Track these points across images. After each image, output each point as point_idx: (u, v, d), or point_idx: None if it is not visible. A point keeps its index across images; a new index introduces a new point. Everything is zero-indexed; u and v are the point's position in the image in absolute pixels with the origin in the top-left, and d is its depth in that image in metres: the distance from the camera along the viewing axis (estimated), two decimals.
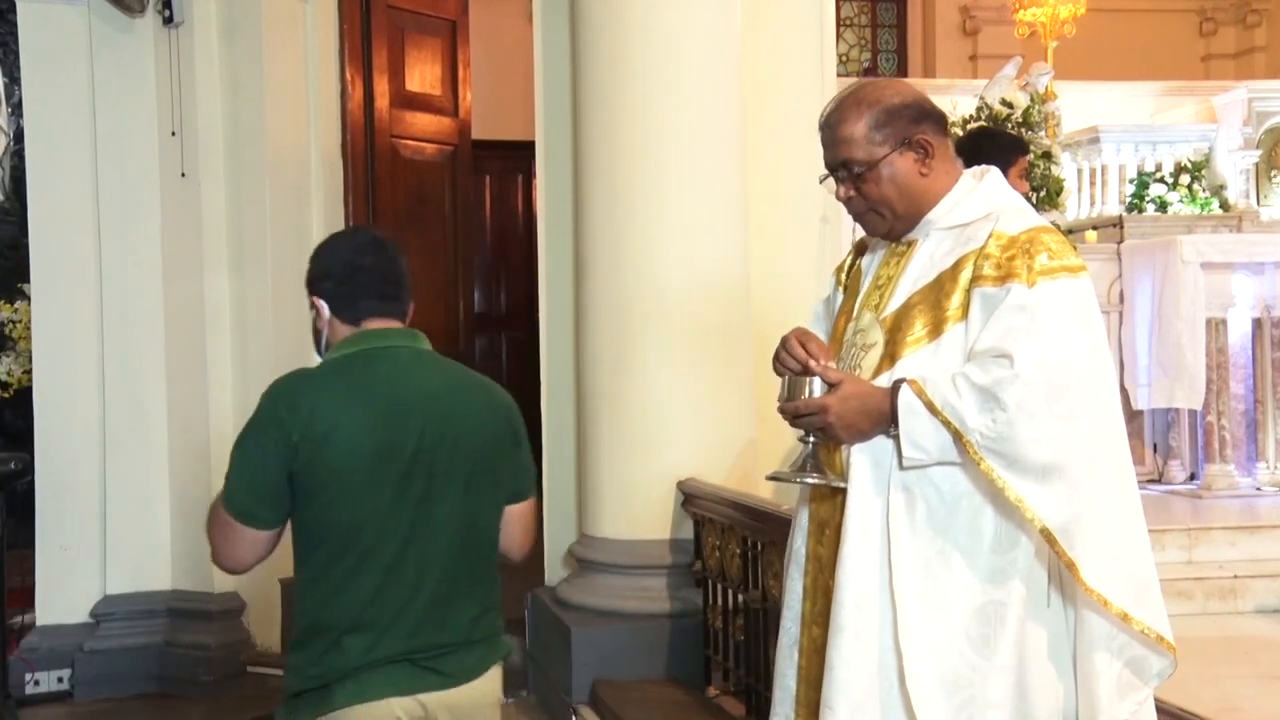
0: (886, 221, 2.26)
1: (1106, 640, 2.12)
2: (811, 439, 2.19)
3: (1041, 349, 2.04)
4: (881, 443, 2.14)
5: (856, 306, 2.31)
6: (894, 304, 2.22)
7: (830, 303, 2.47)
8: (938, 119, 2.26)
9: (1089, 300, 2.14)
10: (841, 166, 2.24)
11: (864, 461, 2.16)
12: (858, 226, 2.39)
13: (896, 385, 2.11)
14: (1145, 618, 2.10)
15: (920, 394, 2.07)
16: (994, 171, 2.30)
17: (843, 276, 2.45)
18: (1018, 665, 2.10)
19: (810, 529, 2.32)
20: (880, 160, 2.20)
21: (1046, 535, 2.05)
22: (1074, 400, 2.05)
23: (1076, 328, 2.09)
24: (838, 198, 2.29)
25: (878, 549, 2.13)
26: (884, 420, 2.11)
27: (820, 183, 2.32)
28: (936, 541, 2.11)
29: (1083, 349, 2.09)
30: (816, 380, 2.15)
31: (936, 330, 2.15)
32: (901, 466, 2.12)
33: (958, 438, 2.05)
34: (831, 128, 2.25)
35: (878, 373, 2.18)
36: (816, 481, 2.21)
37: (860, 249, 2.43)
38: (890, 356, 2.18)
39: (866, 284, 2.32)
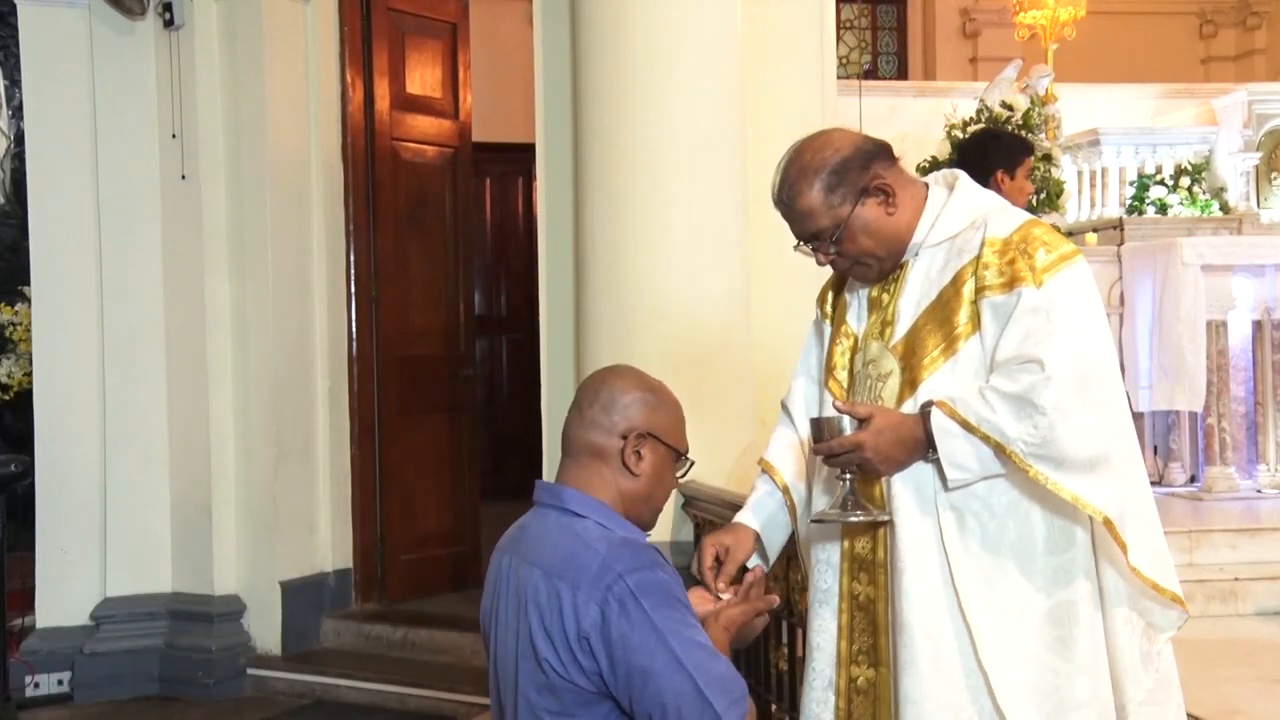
0: (874, 268, 2.25)
1: (1130, 602, 2.16)
2: (848, 476, 2.17)
3: (1065, 347, 2.04)
4: (921, 469, 2.13)
5: (860, 336, 2.29)
6: (901, 329, 2.20)
7: (819, 328, 2.44)
8: (883, 152, 2.23)
9: (1090, 283, 2.15)
10: (813, 238, 2.22)
11: (906, 491, 2.15)
12: None
13: (925, 410, 2.09)
14: (1170, 584, 2.15)
15: (952, 415, 2.06)
16: (963, 176, 2.29)
17: (826, 307, 2.43)
18: (1094, 660, 2.12)
19: (844, 566, 2.28)
20: (847, 218, 2.18)
21: (1108, 524, 2.07)
22: (1100, 388, 2.07)
23: (1087, 315, 2.11)
24: (819, 264, 2.28)
25: (938, 574, 2.12)
26: (920, 447, 2.10)
27: (795, 250, 2.30)
28: (993, 554, 2.11)
29: (1096, 334, 2.11)
30: (846, 418, 2.12)
31: (951, 348, 2.14)
32: (946, 489, 2.11)
33: (1000, 450, 2.04)
34: (787, 204, 2.22)
35: (900, 400, 2.17)
36: (862, 519, 2.18)
37: (841, 278, 2.40)
38: (910, 382, 2.17)
39: (863, 312, 2.30)
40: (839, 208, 2.17)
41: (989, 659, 2.07)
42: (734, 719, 1.94)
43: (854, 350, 2.30)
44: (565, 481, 2.11)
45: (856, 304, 2.32)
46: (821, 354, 2.40)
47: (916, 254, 2.23)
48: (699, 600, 2.19)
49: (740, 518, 2.43)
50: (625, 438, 2.08)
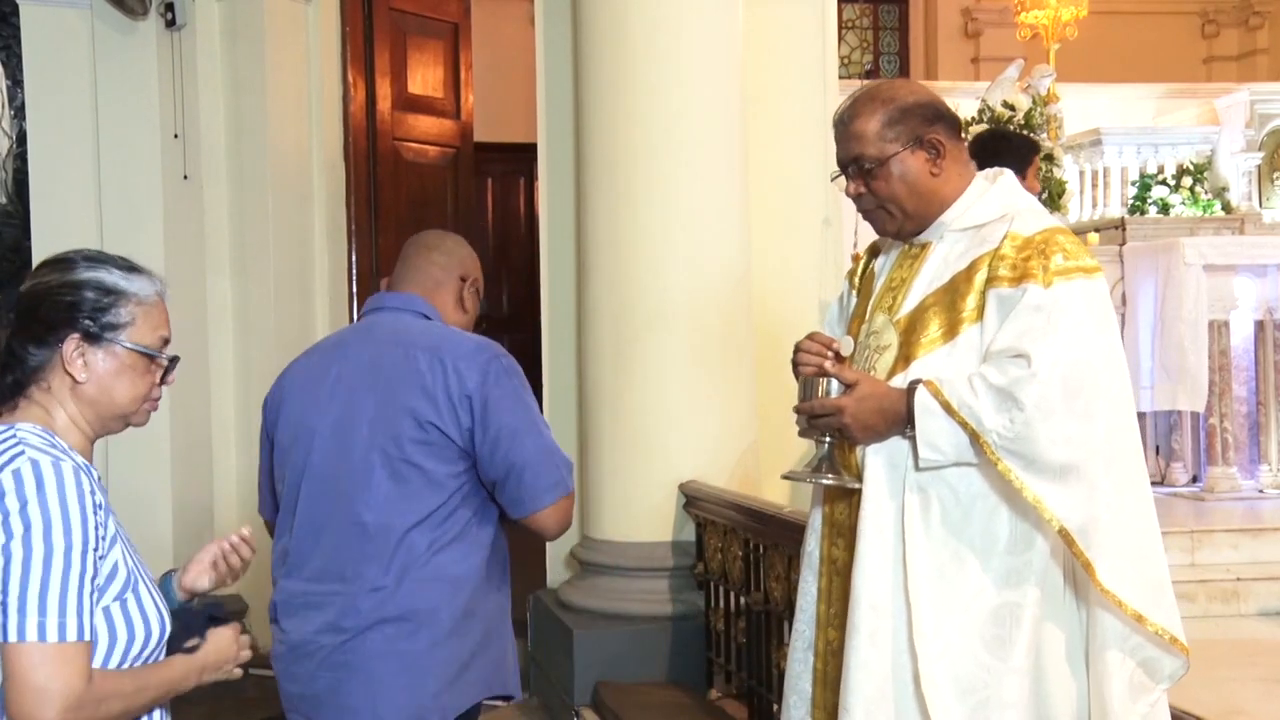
0: (895, 220, 2.25)
1: (1119, 640, 2.11)
2: (827, 439, 2.19)
3: (1058, 349, 2.04)
4: (897, 444, 2.14)
5: (869, 308, 2.31)
6: (908, 306, 2.21)
7: (844, 302, 2.47)
8: (951, 121, 2.26)
9: (1104, 301, 2.14)
10: (853, 162, 2.24)
11: (879, 463, 2.16)
12: (861, 229, 2.39)
13: (912, 386, 2.10)
14: (1159, 619, 2.09)
15: (937, 394, 2.07)
16: (1007, 174, 2.30)
17: (856, 280, 2.44)
18: (1033, 667, 2.10)
19: (824, 531, 2.31)
20: (891, 157, 2.20)
21: (1064, 535, 2.05)
22: (1090, 399, 2.05)
23: (1092, 328, 2.09)
24: (847, 194, 2.29)
25: (892, 550, 2.13)
26: (900, 421, 2.11)
27: (832, 180, 2.33)
28: (951, 543, 2.10)
29: (1099, 349, 2.09)
30: (833, 381, 2.14)
31: (952, 332, 2.15)
32: (917, 468, 2.11)
33: (975, 438, 2.05)
34: (845, 123, 2.25)
35: (892, 374, 2.18)
36: (832, 482, 2.20)
37: (874, 251, 2.43)
38: (905, 358, 2.17)
39: (879, 286, 2.32)
40: (889, 143, 2.20)
41: (922, 645, 2.08)
42: (570, 484, 2.44)
43: (861, 319, 2.32)
44: (412, 294, 2.52)
45: (882, 279, 2.34)
46: (845, 326, 2.41)
47: (942, 236, 2.24)
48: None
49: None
50: (464, 280, 2.56)
